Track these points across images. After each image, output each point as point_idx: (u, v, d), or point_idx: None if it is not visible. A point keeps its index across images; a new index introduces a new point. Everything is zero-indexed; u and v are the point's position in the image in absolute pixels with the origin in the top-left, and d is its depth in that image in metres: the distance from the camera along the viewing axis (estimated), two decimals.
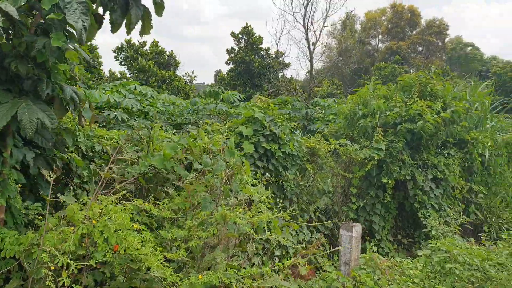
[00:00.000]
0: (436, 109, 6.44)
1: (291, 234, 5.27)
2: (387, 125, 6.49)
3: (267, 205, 3.53)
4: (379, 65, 32.71)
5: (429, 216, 6.20)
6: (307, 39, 10.93)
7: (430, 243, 5.37)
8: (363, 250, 6.16)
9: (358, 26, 66.12)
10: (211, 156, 3.33)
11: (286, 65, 21.92)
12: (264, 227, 3.33)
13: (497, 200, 7.61)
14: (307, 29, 10.85)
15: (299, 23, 10.93)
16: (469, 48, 76.18)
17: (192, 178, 3.38)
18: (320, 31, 10.78)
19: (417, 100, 6.40)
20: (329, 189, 6.03)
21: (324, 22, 10.98)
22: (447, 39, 65.88)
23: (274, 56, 21.52)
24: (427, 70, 7.01)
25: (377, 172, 6.27)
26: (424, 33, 61.98)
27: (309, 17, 10.83)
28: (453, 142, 7.09)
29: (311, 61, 10.91)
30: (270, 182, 5.16)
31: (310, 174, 5.78)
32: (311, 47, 10.86)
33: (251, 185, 3.51)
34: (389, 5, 62.86)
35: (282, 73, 22.08)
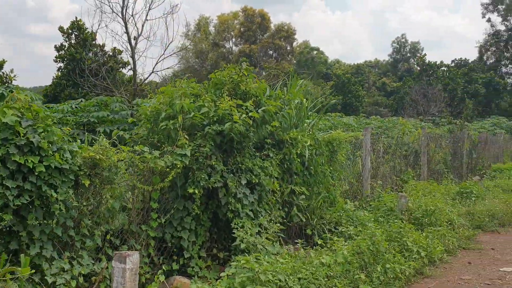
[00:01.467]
0: (248, 109, 5.91)
1: (65, 265, 4.19)
2: (196, 128, 5.76)
3: None
4: (229, 67, 32.71)
5: (242, 226, 5.63)
6: (127, 32, 9.85)
7: (236, 260, 4.76)
8: (171, 273, 5.36)
9: (212, 29, 66.70)
10: None
11: (125, 64, 20.42)
12: None
13: (319, 200, 7.44)
14: (127, 22, 9.78)
15: (118, 15, 9.81)
16: (315, 52, 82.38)
17: None
18: (143, 25, 9.82)
19: (227, 99, 5.79)
20: (123, 206, 5.08)
21: (147, 15, 10.05)
22: (295, 43, 70.08)
23: (111, 53, 19.90)
24: (239, 66, 6.48)
25: (184, 181, 5.50)
26: (274, 37, 64.99)
27: (126, 9, 9.77)
28: (272, 143, 6.68)
29: (133, 57, 9.86)
30: (30, 206, 4.02)
31: (96, 190, 4.75)
32: (133, 41, 9.81)
33: None
34: (240, 8, 64.48)
35: (120, 72, 20.54)
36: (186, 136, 5.41)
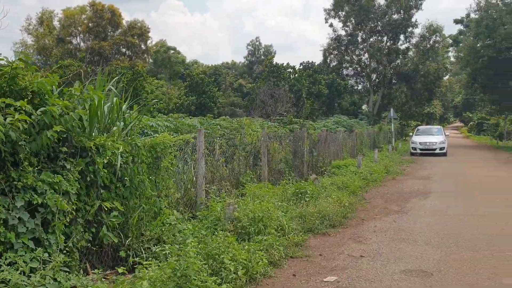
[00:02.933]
0: (24, 110, 4.64)
1: None
2: None
3: None
4: (63, 63, 29.75)
5: (14, 261, 4.36)
6: None
7: None
8: None
9: (56, 23, 61.11)
10: None
11: None
12: None
13: (136, 216, 6.41)
14: None
15: None
16: (172, 51, 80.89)
17: None
18: None
19: None
20: None
21: None
22: (149, 42, 67.70)
23: None
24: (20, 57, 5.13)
25: None
26: (127, 35, 61.92)
27: None
28: (71, 151, 5.48)
29: None
30: None
31: None
32: None
33: None
34: (88, 3, 60.04)
35: None
36: None
